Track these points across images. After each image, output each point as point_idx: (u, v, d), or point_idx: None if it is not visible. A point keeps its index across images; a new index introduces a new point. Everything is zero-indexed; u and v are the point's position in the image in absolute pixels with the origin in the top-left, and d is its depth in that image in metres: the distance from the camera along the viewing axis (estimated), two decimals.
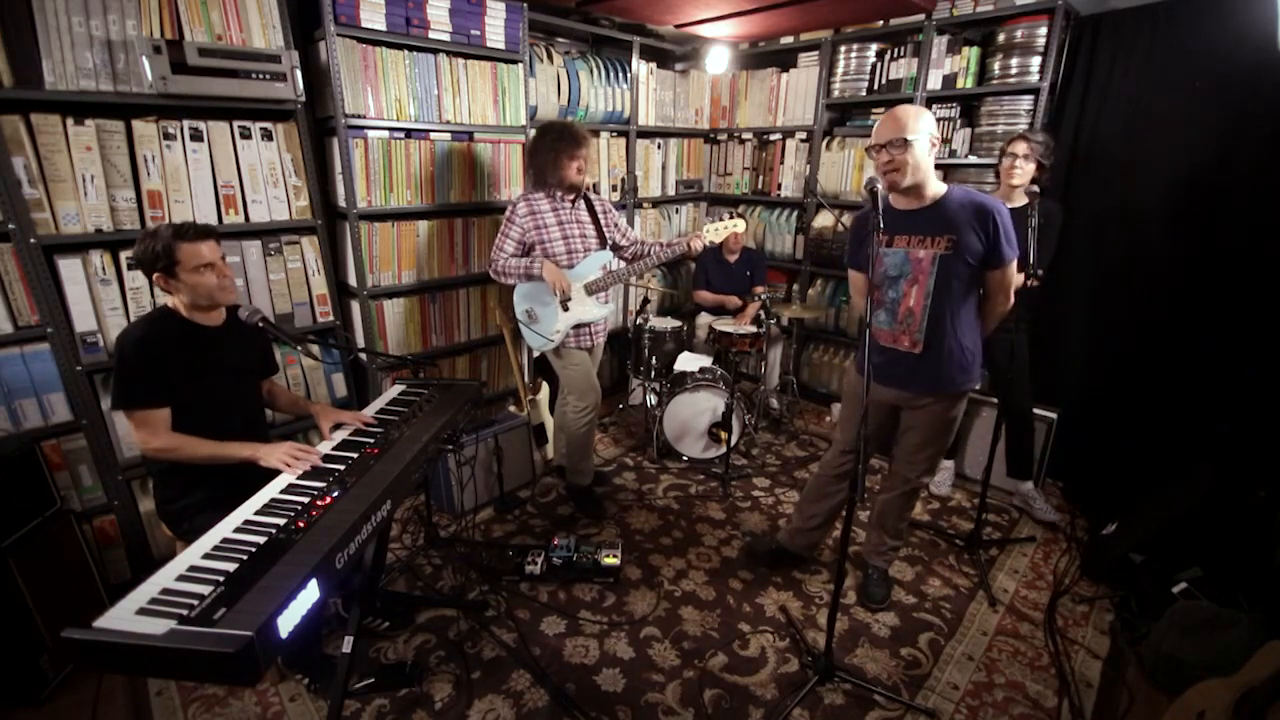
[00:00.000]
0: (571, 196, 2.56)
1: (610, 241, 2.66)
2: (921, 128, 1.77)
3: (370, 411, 1.97)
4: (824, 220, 3.81)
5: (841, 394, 2.29)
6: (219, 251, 1.69)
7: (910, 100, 3.30)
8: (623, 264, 2.72)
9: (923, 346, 1.92)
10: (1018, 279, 2.32)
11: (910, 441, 2.11)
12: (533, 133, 2.96)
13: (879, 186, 1.72)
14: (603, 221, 2.64)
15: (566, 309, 2.56)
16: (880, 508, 2.28)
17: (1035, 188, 2.41)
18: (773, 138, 4.00)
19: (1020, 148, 2.46)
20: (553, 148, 2.42)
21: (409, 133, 2.75)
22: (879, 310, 1.98)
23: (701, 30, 3.67)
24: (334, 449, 1.74)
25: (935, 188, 1.87)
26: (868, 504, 2.59)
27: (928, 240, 1.85)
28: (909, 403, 2.04)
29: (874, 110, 3.58)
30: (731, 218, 2.71)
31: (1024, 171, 2.47)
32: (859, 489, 1.60)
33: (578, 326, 2.61)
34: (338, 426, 1.89)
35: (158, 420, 1.64)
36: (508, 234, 2.51)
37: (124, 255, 2.11)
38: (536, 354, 3.39)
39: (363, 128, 2.59)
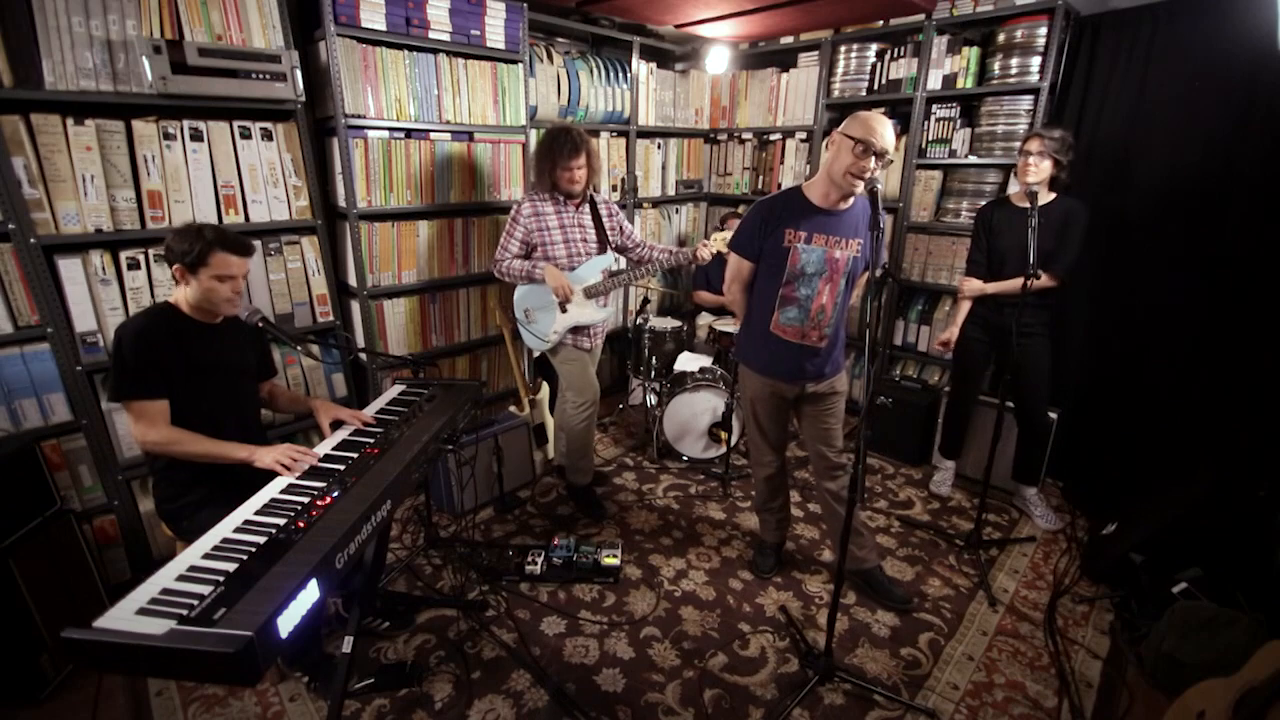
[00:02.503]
0: (576, 200, 2.57)
1: (615, 244, 2.67)
2: None
3: (370, 411, 1.97)
4: None
5: (743, 400, 2.27)
6: (247, 268, 1.74)
7: (909, 100, 3.31)
8: (625, 266, 2.71)
9: (828, 341, 2.06)
10: (1017, 280, 2.33)
11: (821, 427, 2.18)
12: (534, 134, 2.97)
13: (879, 187, 1.75)
14: (607, 225, 2.64)
15: (565, 311, 2.56)
16: (830, 511, 2.24)
17: (1036, 189, 2.41)
18: (773, 138, 4.00)
19: (1034, 145, 2.40)
20: (547, 156, 2.45)
21: (409, 133, 2.75)
22: (789, 307, 2.03)
23: (701, 30, 3.67)
24: (334, 449, 1.74)
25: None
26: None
27: (843, 242, 1.97)
28: (812, 388, 2.13)
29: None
30: (731, 223, 2.69)
31: (1039, 169, 2.40)
32: (859, 489, 1.61)
33: (576, 329, 2.62)
34: (338, 424, 1.90)
35: (155, 413, 1.65)
36: (512, 234, 2.53)
37: (124, 255, 2.11)
38: (536, 354, 3.39)
39: (363, 128, 2.59)
